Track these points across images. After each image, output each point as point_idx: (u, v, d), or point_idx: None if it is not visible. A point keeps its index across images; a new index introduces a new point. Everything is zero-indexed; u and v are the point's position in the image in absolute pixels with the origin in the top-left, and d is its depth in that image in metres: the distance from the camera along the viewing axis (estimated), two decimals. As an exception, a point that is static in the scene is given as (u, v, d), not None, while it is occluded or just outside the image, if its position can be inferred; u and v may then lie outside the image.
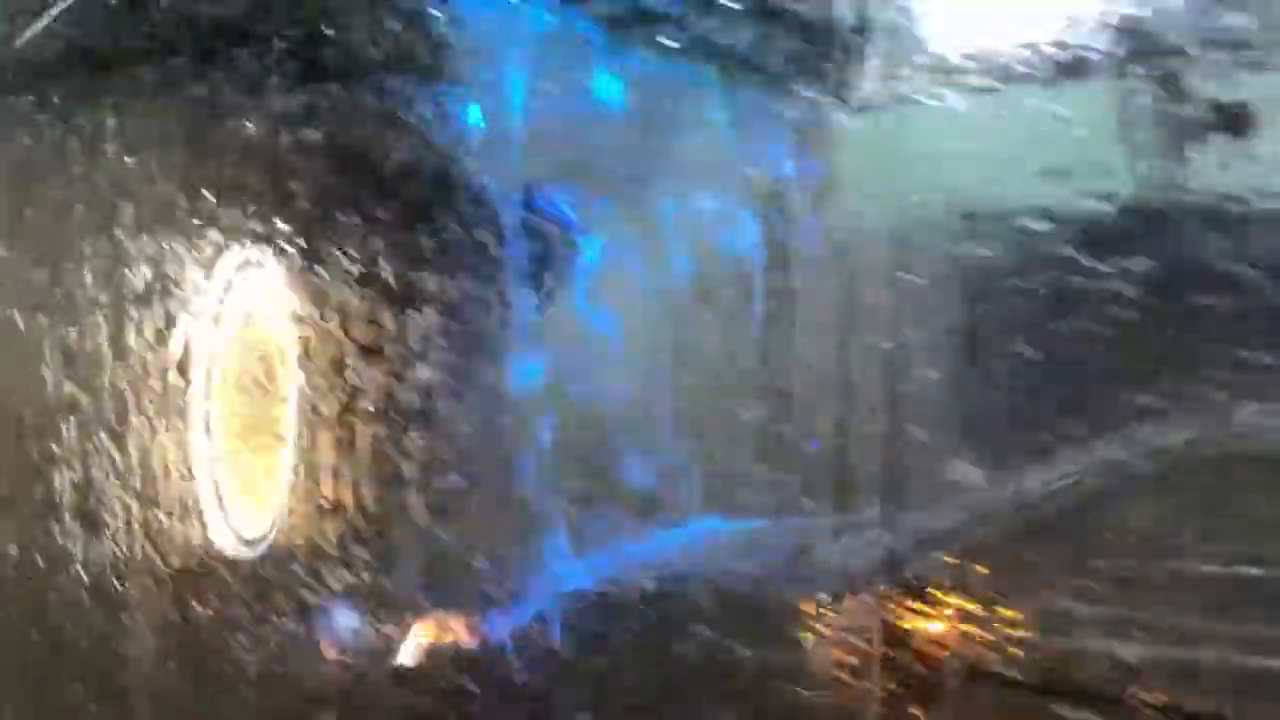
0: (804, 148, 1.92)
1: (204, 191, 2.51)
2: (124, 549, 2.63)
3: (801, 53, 1.98)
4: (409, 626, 2.18)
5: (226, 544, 2.47)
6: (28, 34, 2.59)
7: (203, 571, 2.58)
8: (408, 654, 2.17)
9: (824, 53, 1.94)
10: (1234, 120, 1.66)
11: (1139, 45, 1.75)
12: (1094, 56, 1.77)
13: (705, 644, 1.87)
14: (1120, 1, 1.74)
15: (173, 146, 2.65)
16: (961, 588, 1.77)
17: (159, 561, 2.55)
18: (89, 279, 2.71)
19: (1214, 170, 1.70)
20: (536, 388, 2.17)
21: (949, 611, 1.77)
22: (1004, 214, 1.83)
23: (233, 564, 2.51)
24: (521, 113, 2.00)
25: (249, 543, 2.52)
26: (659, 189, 1.93)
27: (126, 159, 2.65)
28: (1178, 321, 1.66)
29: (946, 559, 1.79)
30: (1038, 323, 1.76)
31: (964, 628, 1.76)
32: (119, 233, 2.67)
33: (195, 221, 2.58)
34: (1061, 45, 1.79)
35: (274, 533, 2.41)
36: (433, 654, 2.15)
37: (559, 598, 2.03)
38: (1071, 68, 1.79)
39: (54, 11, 2.52)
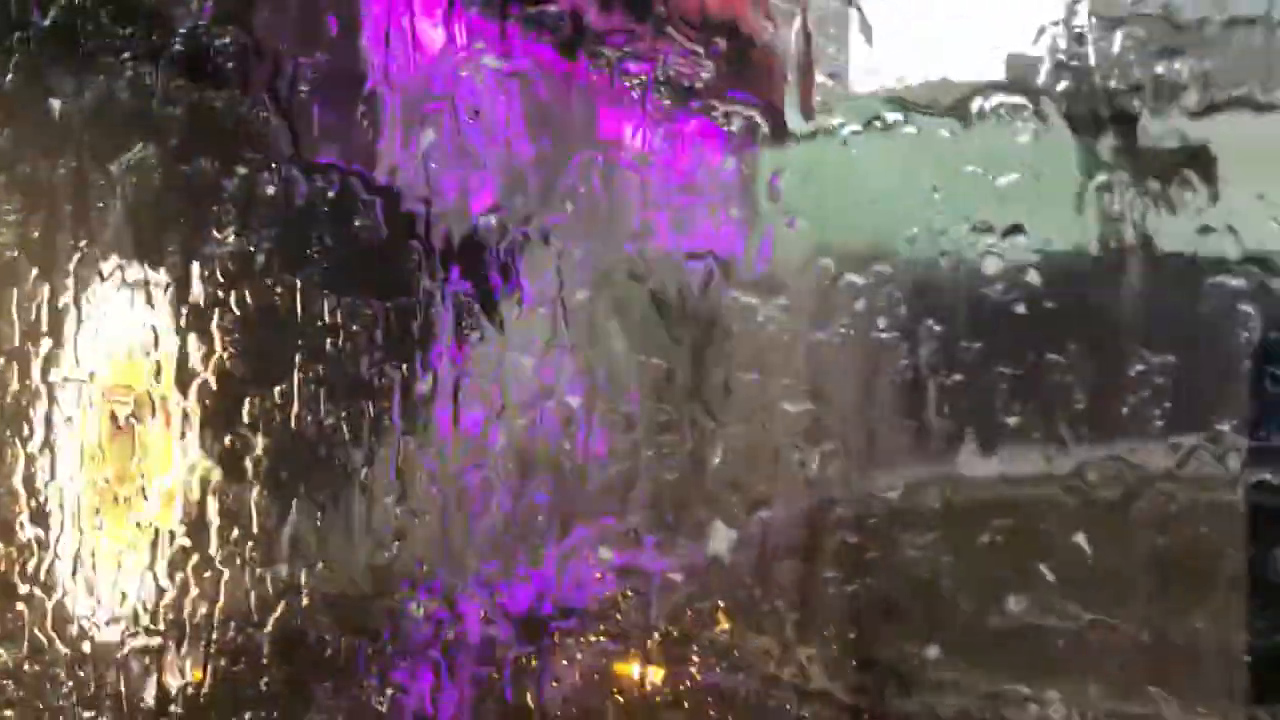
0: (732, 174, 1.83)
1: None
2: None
3: (729, 79, 1.89)
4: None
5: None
6: None
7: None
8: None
9: (754, 80, 1.86)
10: (1190, 166, 1.61)
11: (1086, 84, 1.69)
12: (1039, 95, 1.71)
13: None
14: (1068, 41, 1.68)
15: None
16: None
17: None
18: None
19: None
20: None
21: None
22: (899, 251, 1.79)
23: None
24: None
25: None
26: (584, 214, 1.85)
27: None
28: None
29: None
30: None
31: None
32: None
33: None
34: (1003, 83, 1.73)
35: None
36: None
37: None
38: (1015, 106, 1.73)
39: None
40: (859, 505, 1.74)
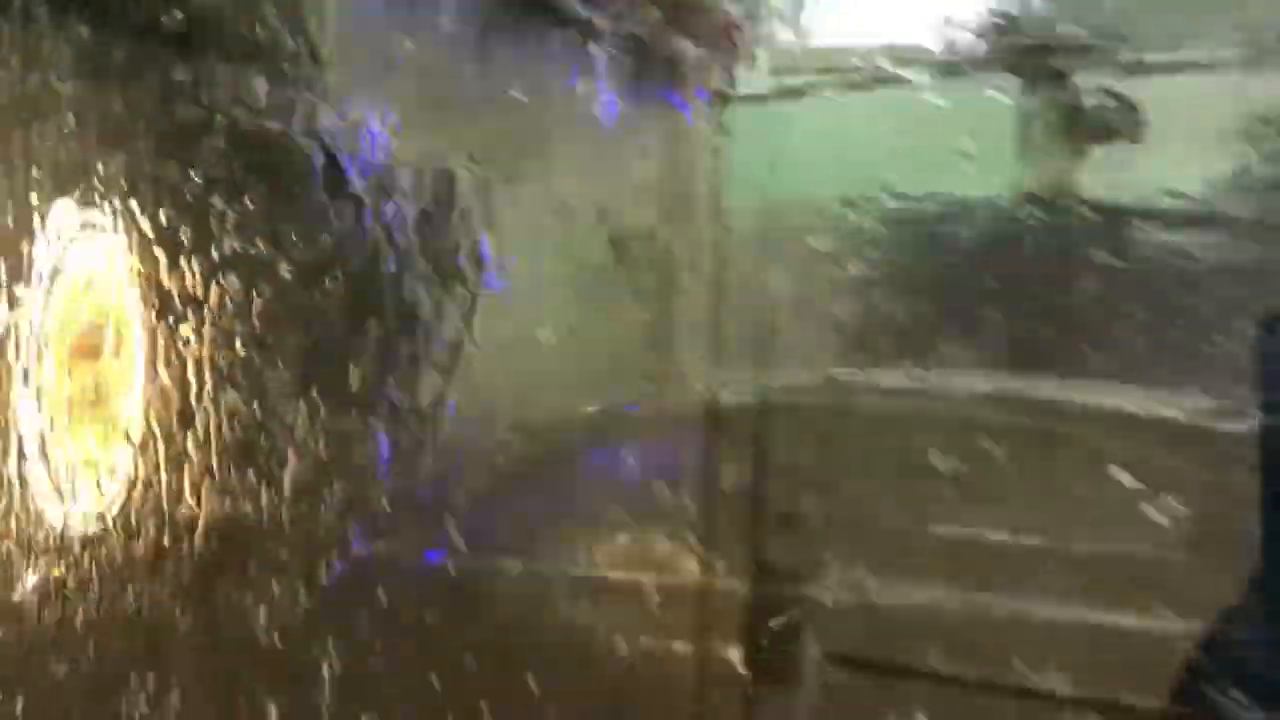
0: (688, 138, 1.86)
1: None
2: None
3: (686, 45, 1.91)
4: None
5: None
6: None
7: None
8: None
9: (708, 44, 1.88)
10: (1123, 120, 1.69)
11: (1025, 43, 1.76)
12: (979, 54, 1.78)
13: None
14: (1007, 1, 1.76)
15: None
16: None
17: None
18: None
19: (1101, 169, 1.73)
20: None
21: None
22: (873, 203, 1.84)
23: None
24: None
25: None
26: (549, 176, 1.85)
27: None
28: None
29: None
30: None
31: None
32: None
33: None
34: (948, 41, 1.80)
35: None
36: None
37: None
38: (956, 65, 1.79)
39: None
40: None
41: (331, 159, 2.01)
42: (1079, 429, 1.64)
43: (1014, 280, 1.73)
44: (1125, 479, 1.56)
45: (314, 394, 2.01)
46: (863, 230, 1.76)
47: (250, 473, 2.05)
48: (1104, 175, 1.74)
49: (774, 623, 1.78)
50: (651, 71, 1.77)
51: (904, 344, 1.73)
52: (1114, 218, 1.71)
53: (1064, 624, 1.60)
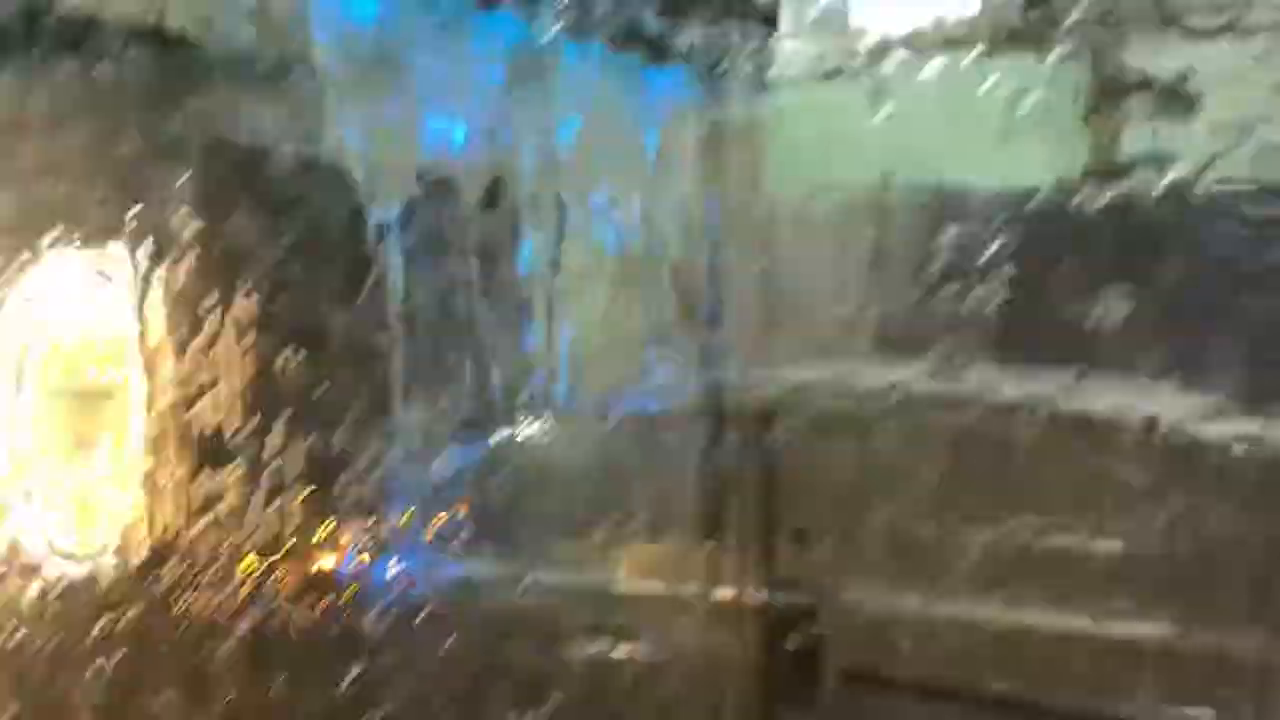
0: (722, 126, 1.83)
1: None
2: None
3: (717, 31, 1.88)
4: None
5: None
6: None
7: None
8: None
9: (741, 29, 1.85)
10: (1176, 94, 1.63)
11: (1072, 17, 1.70)
12: (1025, 30, 1.73)
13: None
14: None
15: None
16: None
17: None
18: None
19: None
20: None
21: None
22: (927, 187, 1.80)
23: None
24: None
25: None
26: (578, 174, 1.84)
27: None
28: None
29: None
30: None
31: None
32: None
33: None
34: (992, 19, 1.75)
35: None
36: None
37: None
38: (1003, 42, 1.74)
39: None
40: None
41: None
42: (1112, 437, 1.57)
43: (1066, 270, 1.66)
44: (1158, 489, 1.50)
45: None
46: (901, 215, 1.71)
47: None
48: (1155, 150, 1.67)
49: (791, 641, 1.76)
50: (689, 56, 1.75)
51: (955, 341, 1.67)
52: (1174, 198, 1.65)
53: (1087, 637, 1.55)
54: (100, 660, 1.97)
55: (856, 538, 1.74)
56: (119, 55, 2.04)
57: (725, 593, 1.85)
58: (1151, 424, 1.60)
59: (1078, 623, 1.61)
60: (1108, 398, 1.59)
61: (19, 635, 2.08)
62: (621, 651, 1.85)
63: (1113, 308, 1.59)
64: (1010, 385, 1.64)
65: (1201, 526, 1.47)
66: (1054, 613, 1.62)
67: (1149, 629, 1.56)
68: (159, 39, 2.12)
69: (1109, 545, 1.57)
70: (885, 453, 1.73)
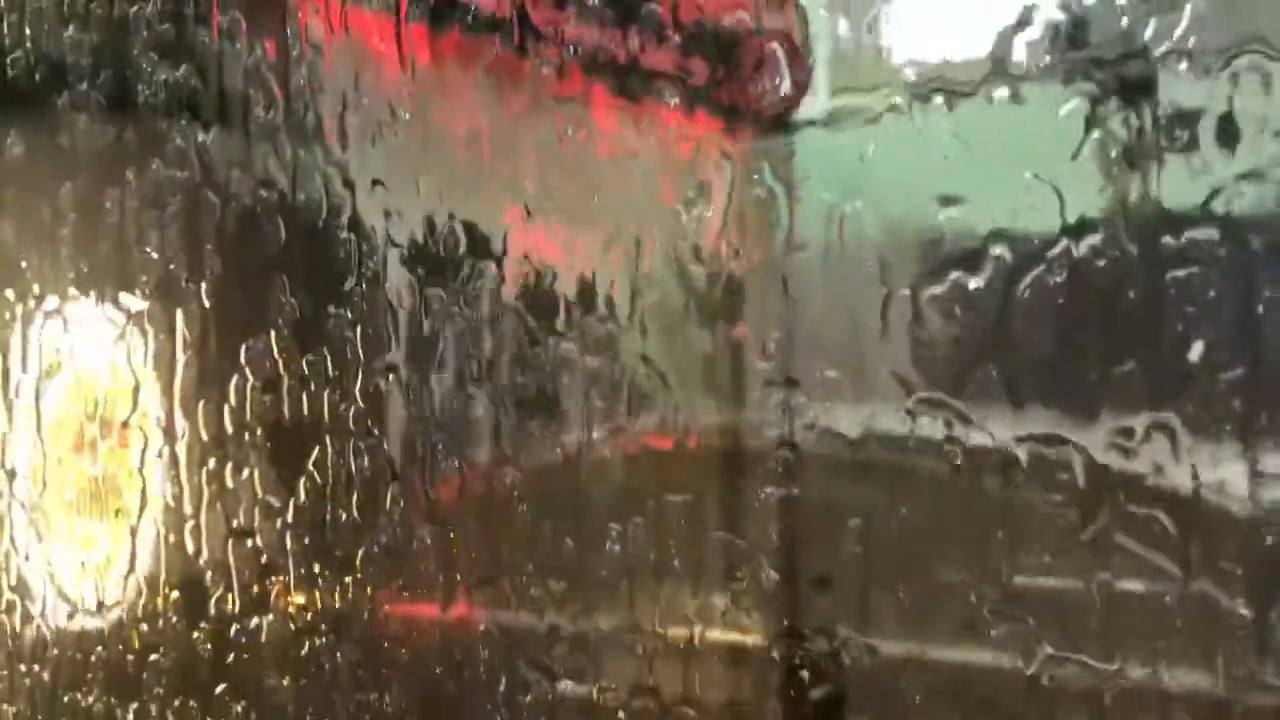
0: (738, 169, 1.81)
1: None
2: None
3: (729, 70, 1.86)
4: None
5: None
6: None
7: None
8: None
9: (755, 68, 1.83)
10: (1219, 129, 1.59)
11: (1101, 54, 1.67)
12: (1051, 67, 1.69)
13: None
14: (1078, 7, 1.67)
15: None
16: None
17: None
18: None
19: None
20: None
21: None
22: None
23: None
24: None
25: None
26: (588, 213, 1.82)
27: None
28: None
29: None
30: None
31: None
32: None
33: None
34: (1014, 57, 1.71)
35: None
36: None
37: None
38: (1027, 80, 1.71)
39: None
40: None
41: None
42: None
43: (1092, 314, 1.62)
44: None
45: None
46: (922, 256, 1.68)
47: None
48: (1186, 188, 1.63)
49: (815, 692, 1.72)
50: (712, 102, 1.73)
51: (973, 384, 1.64)
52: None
53: (1134, 690, 1.50)
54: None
55: (881, 585, 1.70)
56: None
57: (746, 640, 1.81)
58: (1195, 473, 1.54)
59: (1119, 672, 1.55)
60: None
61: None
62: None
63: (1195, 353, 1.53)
64: (1037, 426, 1.59)
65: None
66: (1090, 662, 1.57)
67: (1199, 679, 1.50)
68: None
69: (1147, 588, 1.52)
70: (910, 499, 1.68)
